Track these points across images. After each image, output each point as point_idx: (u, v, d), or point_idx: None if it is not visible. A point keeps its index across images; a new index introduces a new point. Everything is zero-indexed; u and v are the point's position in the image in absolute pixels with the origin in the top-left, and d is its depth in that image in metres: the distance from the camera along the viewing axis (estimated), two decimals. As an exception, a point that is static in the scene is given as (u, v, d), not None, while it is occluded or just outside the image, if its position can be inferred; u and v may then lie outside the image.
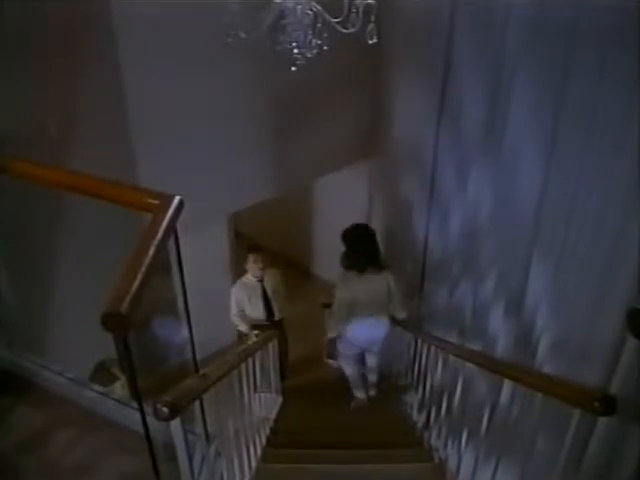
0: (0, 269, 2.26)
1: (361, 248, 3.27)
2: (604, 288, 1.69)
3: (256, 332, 3.82)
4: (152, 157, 2.50)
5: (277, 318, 4.03)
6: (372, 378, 3.98)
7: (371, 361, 3.86)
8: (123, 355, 1.16)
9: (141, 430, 1.31)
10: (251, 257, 3.84)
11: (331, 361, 3.76)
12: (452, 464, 2.53)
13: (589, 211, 1.81)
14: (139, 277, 1.16)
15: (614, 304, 1.59)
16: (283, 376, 4.23)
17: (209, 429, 1.91)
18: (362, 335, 3.49)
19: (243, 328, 3.94)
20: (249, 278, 3.90)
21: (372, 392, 4.01)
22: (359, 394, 3.92)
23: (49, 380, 2.14)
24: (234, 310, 3.91)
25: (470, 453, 2.28)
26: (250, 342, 3.59)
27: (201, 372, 1.68)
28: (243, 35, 1.71)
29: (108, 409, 2.02)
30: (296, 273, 5.46)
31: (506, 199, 2.42)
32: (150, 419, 1.29)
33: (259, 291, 3.90)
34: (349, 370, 3.83)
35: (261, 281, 3.89)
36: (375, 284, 3.32)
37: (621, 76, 1.62)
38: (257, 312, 3.94)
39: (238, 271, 4.63)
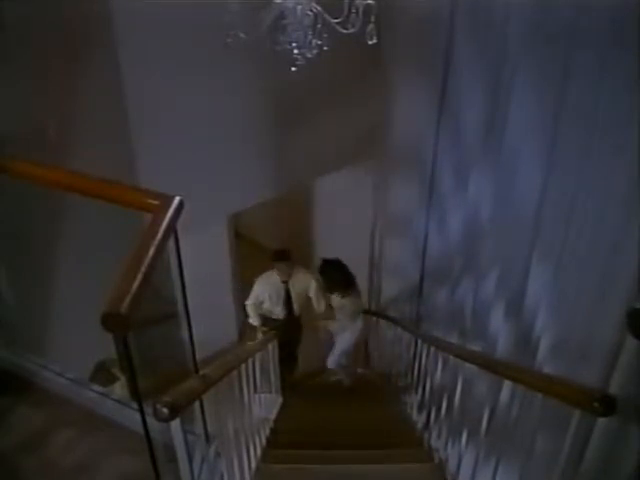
0: (0, 269, 2.26)
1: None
2: (604, 288, 1.69)
3: (264, 329, 3.89)
4: (152, 157, 2.50)
5: (297, 314, 4.04)
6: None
7: None
8: (123, 355, 1.16)
9: (141, 430, 1.31)
10: (283, 265, 3.80)
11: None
12: (452, 464, 2.53)
13: (589, 211, 1.80)
14: (139, 277, 1.17)
15: (614, 304, 1.59)
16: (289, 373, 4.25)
17: (209, 429, 1.91)
18: None
19: (254, 321, 3.97)
20: (275, 277, 3.86)
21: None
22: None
23: (49, 380, 2.14)
24: (250, 300, 3.92)
25: (470, 453, 2.28)
26: (257, 338, 3.70)
27: (201, 372, 1.68)
28: (243, 35, 1.71)
29: (108, 409, 2.02)
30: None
31: (506, 199, 2.42)
32: (150, 419, 1.29)
33: (282, 292, 3.90)
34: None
35: (286, 282, 3.86)
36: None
37: (621, 76, 1.62)
38: (276, 309, 3.95)
39: (238, 271, 4.63)
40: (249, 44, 1.73)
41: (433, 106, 3.00)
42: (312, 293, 3.96)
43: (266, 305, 3.94)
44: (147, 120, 2.44)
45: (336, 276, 3.92)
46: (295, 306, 3.99)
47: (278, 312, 3.97)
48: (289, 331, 4.10)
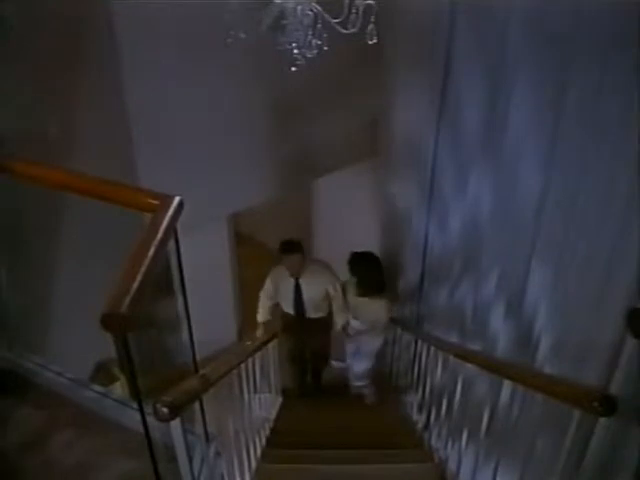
0: (0, 269, 2.26)
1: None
2: (604, 288, 1.69)
3: (260, 332, 3.64)
4: (152, 157, 2.50)
5: (310, 316, 3.66)
6: None
7: None
8: (123, 355, 1.16)
9: (141, 430, 1.30)
10: (292, 258, 3.40)
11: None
12: (452, 464, 2.53)
13: (589, 211, 1.80)
14: (139, 277, 1.16)
15: (614, 304, 1.59)
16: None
17: (209, 429, 1.91)
18: None
19: (261, 315, 3.68)
20: (284, 271, 3.51)
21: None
22: None
23: (49, 380, 2.14)
24: (262, 292, 3.67)
25: (470, 453, 2.28)
26: (257, 335, 3.50)
27: (201, 372, 1.68)
28: (243, 35, 1.71)
29: (108, 409, 2.02)
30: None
31: (506, 199, 2.42)
32: (150, 419, 1.29)
33: (291, 288, 3.54)
34: None
35: (297, 278, 3.51)
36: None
37: (621, 76, 1.62)
38: (286, 304, 3.65)
39: (238, 271, 4.63)
40: (249, 44, 1.73)
41: (433, 106, 3.00)
42: (332, 291, 3.53)
43: (279, 299, 3.64)
44: (147, 120, 2.44)
45: (371, 274, 3.48)
46: (308, 307, 3.59)
47: (288, 308, 3.66)
48: (303, 335, 3.78)
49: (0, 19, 2.32)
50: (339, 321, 3.65)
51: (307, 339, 3.83)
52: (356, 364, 3.93)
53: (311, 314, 3.64)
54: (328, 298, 3.59)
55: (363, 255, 3.57)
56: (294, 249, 3.42)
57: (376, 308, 3.57)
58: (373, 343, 3.77)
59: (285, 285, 3.56)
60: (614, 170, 1.67)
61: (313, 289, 3.54)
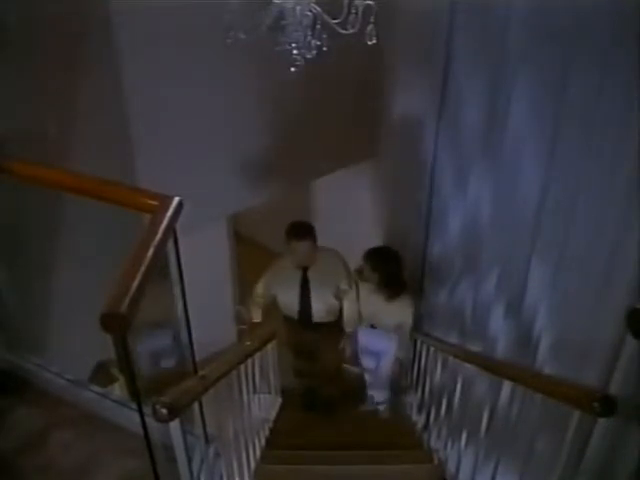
0: (0, 269, 2.26)
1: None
2: (604, 288, 1.69)
3: (243, 327, 3.21)
4: (151, 157, 2.50)
5: (316, 321, 3.07)
6: None
7: None
8: (122, 356, 1.16)
9: (140, 431, 1.30)
10: (303, 246, 2.81)
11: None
12: (452, 465, 2.53)
13: (589, 211, 1.81)
14: (138, 278, 1.16)
15: (614, 304, 1.59)
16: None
17: (208, 430, 1.91)
18: None
19: (253, 313, 3.15)
20: (287, 264, 2.97)
21: None
22: None
23: (48, 381, 2.14)
24: (257, 289, 3.14)
25: (470, 454, 2.28)
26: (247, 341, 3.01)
27: (200, 373, 1.68)
28: (243, 36, 1.71)
29: (107, 410, 2.02)
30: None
31: (506, 199, 2.42)
32: (149, 420, 1.29)
33: (296, 280, 2.96)
34: None
35: (305, 270, 2.94)
36: None
37: (621, 76, 1.62)
38: (289, 305, 3.06)
39: (237, 271, 4.62)
40: (249, 44, 1.73)
41: (433, 105, 3.00)
42: (344, 286, 2.97)
43: (280, 298, 3.07)
44: (147, 120, 2.44)
45: (397, 272, 3.01)
46: (316, 307, 3.01)
47: (291, 310, 3.09)
48: (309, 345, 3.19)
49: (-1, 19, 2.33)
50: (349, 323, 3.14)
51: (315, 351, 3.22)
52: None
53: (319, 317, 3.09)
54: (339, 296, 3.06)
55: (384, 251, 3.09)
56: (306, 234, 2.87)
57: (400, 309, 3.09)
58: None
59: (289, 279, 3.01)
60: (614, 170, 1.67)
61: (322, 283, 2.99)
